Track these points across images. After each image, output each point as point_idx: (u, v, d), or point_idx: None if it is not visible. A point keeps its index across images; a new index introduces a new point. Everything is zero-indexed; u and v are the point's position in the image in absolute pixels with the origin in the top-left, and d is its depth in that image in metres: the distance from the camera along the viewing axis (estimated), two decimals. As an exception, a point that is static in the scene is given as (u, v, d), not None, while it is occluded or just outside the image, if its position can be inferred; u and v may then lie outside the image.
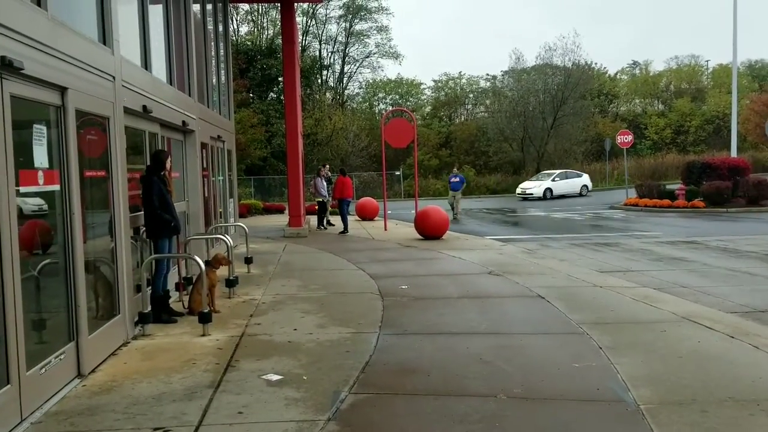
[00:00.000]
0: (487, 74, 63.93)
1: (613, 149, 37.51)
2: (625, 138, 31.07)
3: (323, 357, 6.00)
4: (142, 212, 7.48)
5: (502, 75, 57.24)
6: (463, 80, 62.68)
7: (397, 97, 61.06)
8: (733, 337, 6.42)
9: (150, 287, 7.34)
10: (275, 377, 5.43)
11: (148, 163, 7.68)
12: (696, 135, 56.55)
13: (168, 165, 7.65)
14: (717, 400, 4.77)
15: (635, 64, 68.73)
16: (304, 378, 5.41)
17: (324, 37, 54.50)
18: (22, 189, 4.67)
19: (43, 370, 4.85)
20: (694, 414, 4.54)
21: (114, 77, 6.47)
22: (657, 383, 5.15)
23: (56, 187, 5.25)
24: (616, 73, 67.08)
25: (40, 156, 5.00)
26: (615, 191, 36.98)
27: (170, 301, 7.85)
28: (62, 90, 5.28)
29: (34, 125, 4.98)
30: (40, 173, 4.99)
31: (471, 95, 62.09)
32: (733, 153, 30.72)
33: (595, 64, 58.22)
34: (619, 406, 4.73)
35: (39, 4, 4.99)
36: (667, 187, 27.97)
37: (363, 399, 4.95)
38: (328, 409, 4.72)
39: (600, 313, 7.59)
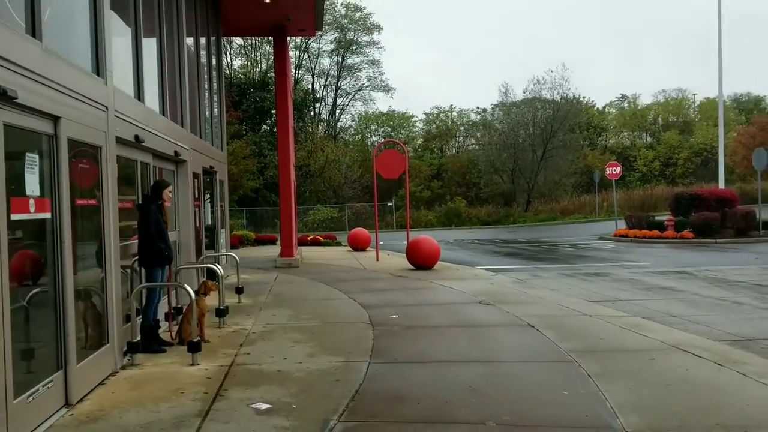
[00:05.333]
0: (478, 107, 64.79)
1: (602, 181, 37.83)
2: (613, 170, 31.37)
3: (313, 386, 5.99)
4: (136, 240, 7.50)
5: (492, 108, 58.04)
6: (454, 113, 63.49)
7: (389, 129, 61.58)
8: (721, 365, 6.45)
9: (139, 316, 7.32)
10: (264, 406, 5.41)
11: (147, 192, 7.74)
12: (684, 167, 57.18)
13: (167, 195, 7.73)
14: (705, 427, 4.78)
15: (623, 97, 69.86)
16: (294, 406, 5.39)
17: (317, 71, 55.23)
18: (13, 216, 4.69)
19: (31, 398, 4.82)
20: (682, 440, 4.55)
21: (107, 107, 6.54)
22: (645, 410, 5.17)
23: (47, 215, 5.28)
24: (605, 107, 68.10)
25: (32, 184, 5.04)
26: (605, 222, 37.18)
27: (159, 331, 7.82)
28: (55, 119, 5.35)
29: (27, 153, 5.03)
30: (32, 201, 5.02)
31: (462, 128, 62.74)
32: (721, 185, 31.06)
33: (584, 97, 59.13)
34: (607, 432, 4.74)
35: (33, 35, 5.08)
36: (656, 218, 28.17)
37: (352, 427, 4.94)
38: (316, 437, 4.70)
39: (589, 341, 7.61)
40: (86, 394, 5.74)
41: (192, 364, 6.77)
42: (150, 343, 7.37)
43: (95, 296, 6.43)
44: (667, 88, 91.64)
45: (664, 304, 10.72)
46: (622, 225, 29.01)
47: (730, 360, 6.66)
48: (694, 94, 68.15)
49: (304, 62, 53.64)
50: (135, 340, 6.93)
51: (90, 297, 6.32)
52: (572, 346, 7.33)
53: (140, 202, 7.47)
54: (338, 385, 5.97)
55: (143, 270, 7.59)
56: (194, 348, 6.87)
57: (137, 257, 7.51)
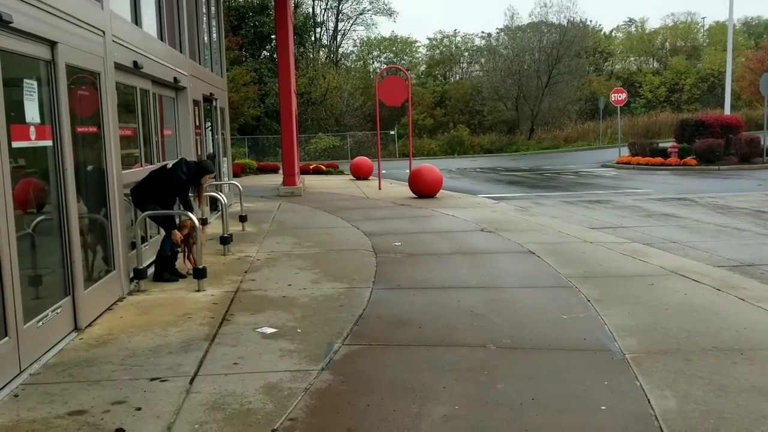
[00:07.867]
0: (482, 32, 63.33)
1: (607, 108, 37.39)
2: (618, 96, 30.98)
3: (317, 311, 6.10)
4: (139, 168, 7.47)
5: (497, 32, 56.75)
6: (458, 38, 62.11)
7: (392, 55, 60.39)
8: (719, 290, 6.54)
9: (144, 244, 7.38)
10: (270, 330, 5.53)
11: (192, 163, 7.66)
12: (690, 93, 56.35)
13: (205, 179, 7.69)
14: (701, 350, 4.89)
15: (631, 21, 68.24)
16: (298, 331, 5.51)
17: (317, -7, 53.61)
18: (14, 144, 4.67)
19: (41, 323, 4.93)
20: (678, 362, 4.66)
21: (104, 32, 6.40)
22: (643, 333, 5.28)
23: (48, 143, 5.26)
24: (612, 31, 66.62)
25: (32, 111, 4.99)
26: (608, 150, 36.99)
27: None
28: (52, 44, 5.24)
29: (25, 80, 4.96)
30: (32, 128, 4.99)
31: (466, 53, 61.52)
32: (727, 111, 30.72)
33: (591, 21, 57.85)
34: (605, 355, 4.85)
35: (25, -44, 4.91)
36: (660, 145, 27.98)
37: (356, 350, 5.06)
38: (321, 359, 4.83)
39: (589, 267, 7.70)
40: (95, 319, 5.87)
41: (198, 290, 6.89)
42: (163, 272, 7.43)
43: (100, 223, 6.47)
44: (676, 11, 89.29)
45: (665, 231, 10.78)
46: (625, 152, 28.85)
47: (729, 285, 6.75)
48: (703, 18, 66.83)
49: (303, -15, 52.09)
50: (141, 267, 7.03)
51: (94, 224, 6.37)
52: (572, 272, 7.42)
53: (172, 166, 7.31)
54: (342, 311, 6.09)
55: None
56: (200, 274, 6.97)
57: (133, 196, 7.35)
